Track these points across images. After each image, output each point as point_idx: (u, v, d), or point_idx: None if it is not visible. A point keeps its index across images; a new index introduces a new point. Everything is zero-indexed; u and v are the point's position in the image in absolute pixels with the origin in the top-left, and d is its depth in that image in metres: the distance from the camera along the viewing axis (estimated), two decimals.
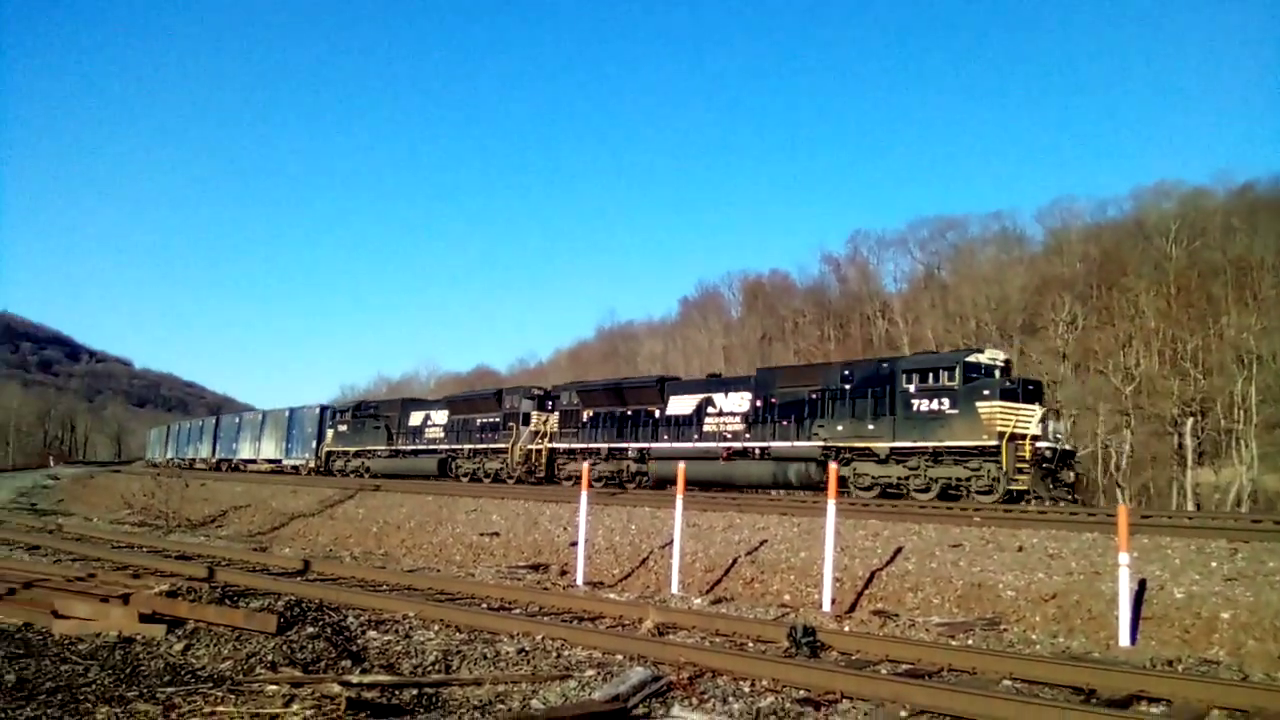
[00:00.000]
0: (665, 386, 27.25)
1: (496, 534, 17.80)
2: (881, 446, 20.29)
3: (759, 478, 23.09)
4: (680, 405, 26.02)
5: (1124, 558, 8.81)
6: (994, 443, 18.31)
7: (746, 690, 6.40)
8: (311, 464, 42.01)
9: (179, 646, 7.22)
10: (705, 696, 6.16)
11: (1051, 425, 19.39)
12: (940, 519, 14.74)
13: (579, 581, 13.16)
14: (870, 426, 20.57)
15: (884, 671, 7.04)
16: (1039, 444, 18.60)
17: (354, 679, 6.14)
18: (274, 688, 5.83)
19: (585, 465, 14.86)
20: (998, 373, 19.98)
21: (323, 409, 44.06)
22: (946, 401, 19.43)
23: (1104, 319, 50.36)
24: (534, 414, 30.47)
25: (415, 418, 36.57)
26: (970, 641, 8.97)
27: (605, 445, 27.56)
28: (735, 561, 13.65)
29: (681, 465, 14.38)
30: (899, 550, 12.67)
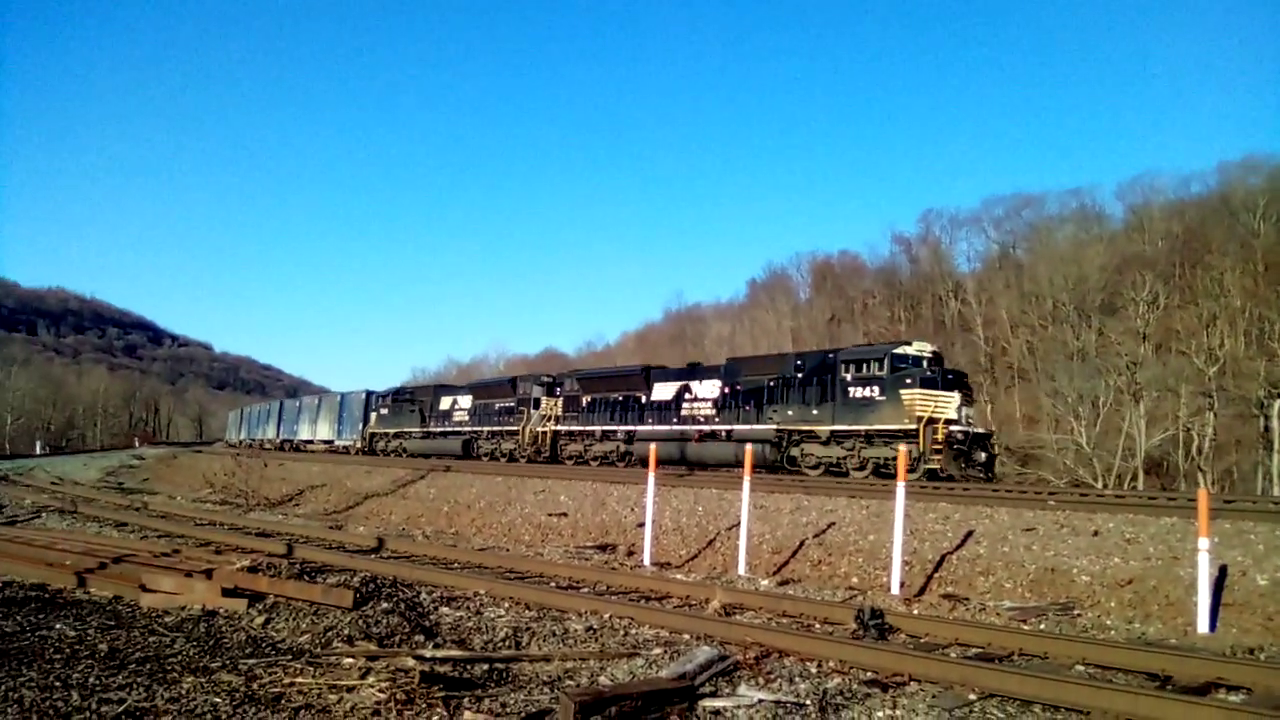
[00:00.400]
0: (650, 374, 29.53)
1: (564, 514, 17.97)
2: (823, 429, 22.21)
3: (723, 457, 24.71)
4: (662, 392, 28.20)
5: (1204, 543, 8.57)
6: (914, 426, 19.89)
7: (813, 671, 6.39)
8: (358, 444, 44.59)
9: (260, 620, 7.45)
10: (772, 676, 6.17)
11: (965, 411, 20.83)
12: (1013, 502, 14.47)
13: (646, 562, 13.25)
14: (814, 411, 22.58)
15: (953, 655, 6.98)
16: (953, 428, 20.00)
17: (427, 653, 6.28)
18: (351, 661, 6.00)
19: (653, 447, 14.90)
20: (925, 363, 21.51)
21: (368, 394, 46.43)
22: (876, 389, 21.26)
23: (1187, 298, 48.67)
24: (543, 399, 32.64)
25: (444, 402, 39.12)
26: (1042, 626, 8.83)
27: (599, 428, 29.77)
28: (803, 543, 13.60)
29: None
30: (970, 534, 12.49)
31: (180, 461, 49.84)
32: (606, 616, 8.26)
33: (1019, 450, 43.31)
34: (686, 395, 27.20)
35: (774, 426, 23.47)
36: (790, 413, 23.21)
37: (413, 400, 41.69)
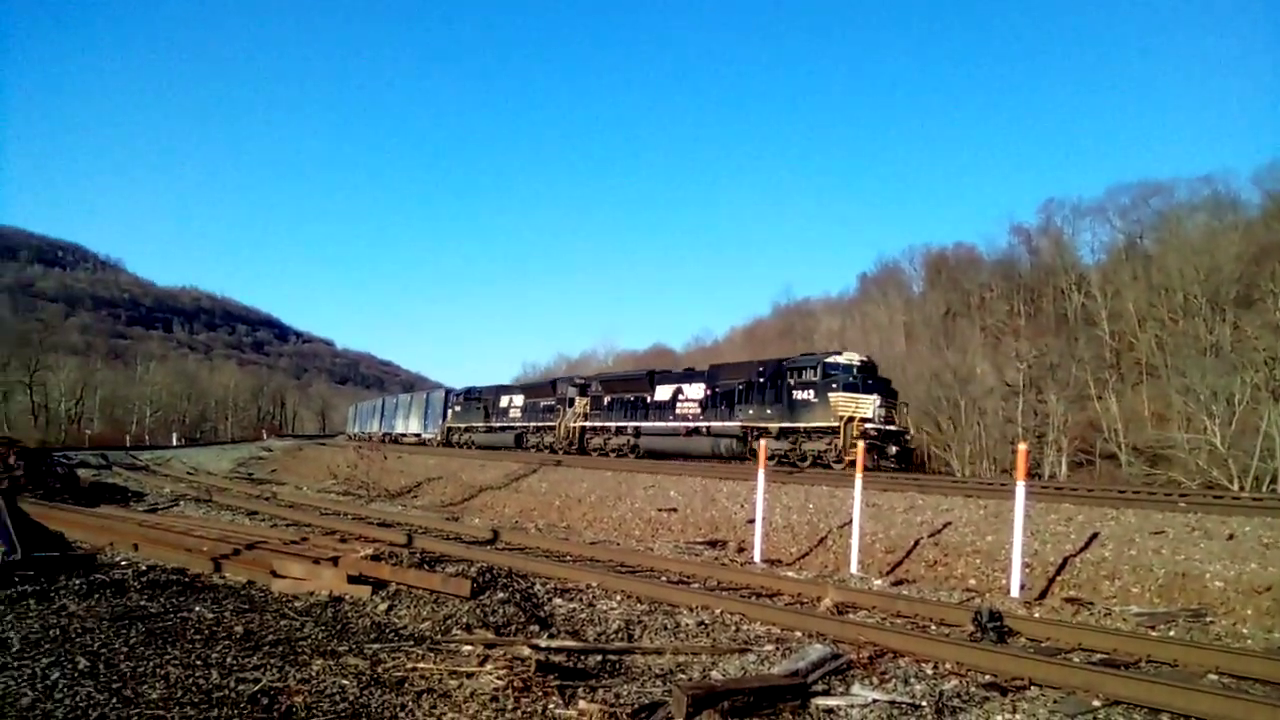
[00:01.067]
0: (654, 378, 33.86)
1: (674, 510, 18.05)
2: (774, 426, 26.04)
3: (703, 450, 28.80)
4: (663, 393, 32.22)
5: None
6: (837, 424, 23.67)
7: (929, 672, 6.28)
8: (438, 438, 49.32)
9: (383, 607, 7.71)
10: (886, 676, 6.09)
11: (880, 411, 24.24)
12: (1141, 504, 13.90)
13: (756, 558, 13.20)
14: (769, 411, 26.53)
15: (1076, 660, 6.76)
16: (867, 425, 23.41)
17: (542, 643, 6.41)
18: (469, 648, 6.17)
19: (763, 443, 14.91)
20: (853, 371, 25.19)
21: (446, 393, 51.97)
22: (812, 392, 25.15)
23: None
24: (577, 399, 36.73)
25: (503, 401, 44.01)
26: (1172, 633, 8.47)
27: (615, 424, 34.12)
28: (917, 543, 13.35)
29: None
30: (1094, 536, 12.05)
31: (305, 453, 51.90)
32: (718, 612, 8.28)
33: (1147, 450, 41.40)
34: (680, 396, 31.36)
35: (739, 424, 27.50)
36: (751, 412, 27.18)
37: (479, 399, 46.58)
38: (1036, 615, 9.01)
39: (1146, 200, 60.70)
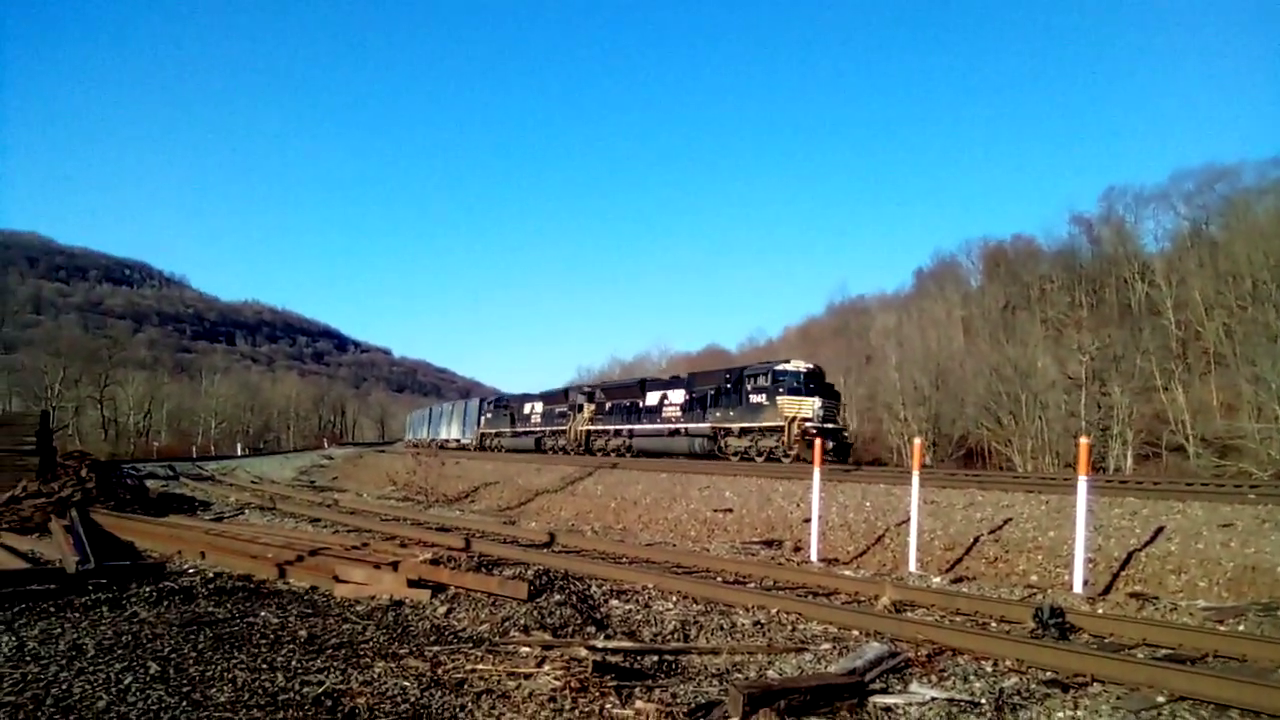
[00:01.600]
0: (645, 385, 38.26)
1: (730, 510, 18.01)
2: (736, 426, 30.01)
3: (682, 449, 32.52)
4: (651, 399, 36.23)
5: None
6: (783, 423, 27.30)
7: (989, 670, 6.21)
8: (474, 443, 53.62)
9: (442, 610, 7.83)
10: (945, 674, 6.04)
11: (818, 412, 27.64)
12: (1209, 496, 13.58)
13: (813, 557, 13.13)
14: (732, 413, 30.44)
15: (1140, 655, 6.63)
16: (808, 424, 26.90)
17: (599, 644, 6.46)
18: (527, 649, 6.24)
19: (818, 443, 14.84)
20: (799, 377, 28.63)
21: (480, 402, 58.04)
22: (765, 396, 28.83)
23: None
24: (585, 405, 40.81)
25: (526, 408, 48.11)
26: (1241, 628, 8.24)
27: (613, 427, 37.97)
28: (977, 540, 13.18)
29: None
30: (1160, 530, 11.79)
31: (365, 460, 52.71)
32: (774, 611, 8.26)
33: (1216, 441, 40.35)
34: (665, 401, 35.23)
35: (710, 425, 31.51)
36: (719, 414, 31.17)
37: (506, 407, 51.66)
38: (1100, 611, 8.83)
39: (1212, 185, 59.04)
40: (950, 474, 19.67)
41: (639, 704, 5.00)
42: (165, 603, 7.86)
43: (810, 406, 27.55)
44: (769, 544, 15.22)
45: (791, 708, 4.95)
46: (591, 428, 39.43)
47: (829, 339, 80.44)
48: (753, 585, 10.16)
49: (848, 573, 11.83)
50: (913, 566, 11.95)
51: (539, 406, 46.69)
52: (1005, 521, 13.54)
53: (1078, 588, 9.98)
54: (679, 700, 5.19)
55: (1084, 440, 10.80)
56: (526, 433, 46.32)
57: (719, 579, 10.59)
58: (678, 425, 33.54)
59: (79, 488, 15.88)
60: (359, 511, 19.57)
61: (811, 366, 30.19)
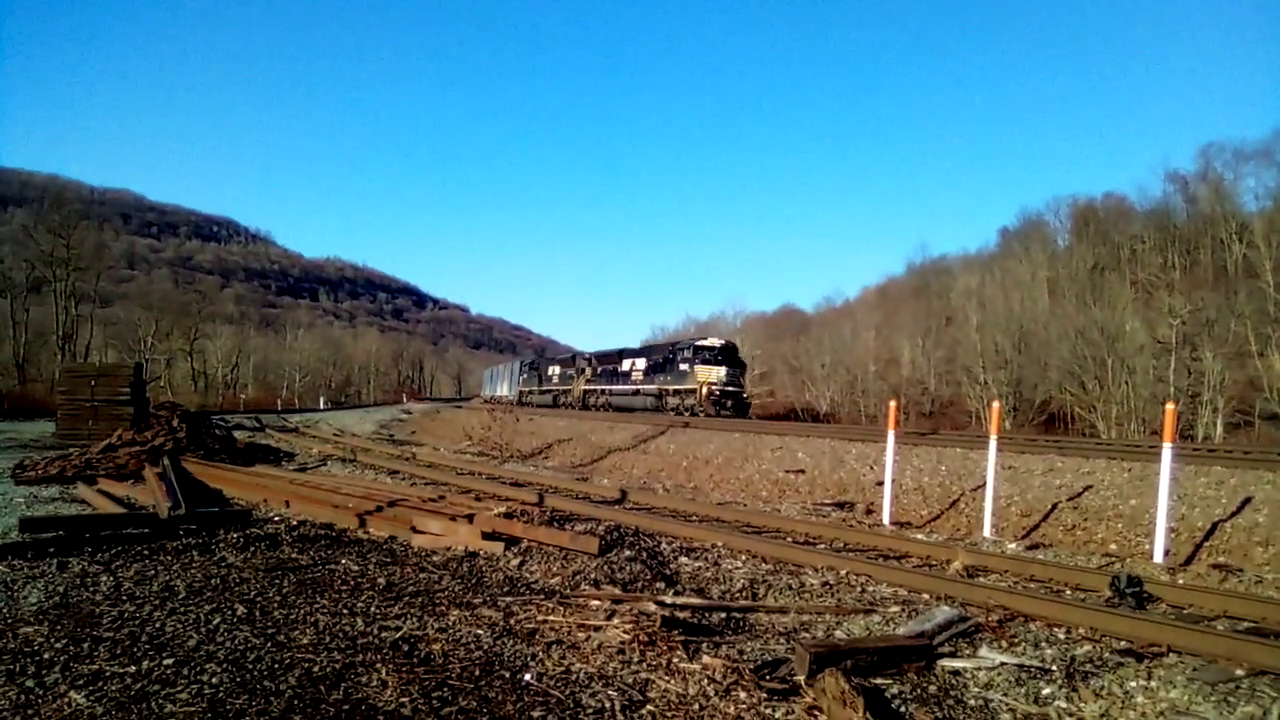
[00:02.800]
0: (621, 354, 46.55)
1: (802, 471, 17.96)
2: (671, 388, 38.26)
3: (639, 405, 40.67)
4: (625, 366, 44.77)
5: None
6: (695, 386, 35.78)
7: (1061, 637, 6.13)
8: (515, 399, 59.40)
9: (515, 562, 8.00)
10: (1015, 640, 5.98)
11: (723, 378, 35.99)
12: None
13: (885, 520, 13.04)
14: (668, 379, 38.82)
15: (1220, 627, 6.48)
16: (712, 388, 35.37)
17: (668, 599, 6.54)
18: (596, 603, 6.35)
19: (892, 404, 14.66)
20: (712, 351, 37.26)
21: (520, 363, 67.71)
22: (686, 365, 37.19)
23: None
24: (586, 369, 49.66)
25: (549, 370, 57.68)
26: None
27: (599, 387, 46.99)
28: (1055, 507, 12.95)
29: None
30: (1248, 500, 11.42)
31: (442, 416, 53.75)
32: (843, 573, 8.25)
33: None
34: (633, 368, 43.51)
35: (656, 387, 39.90)
36: (661, 379, 39.61)
37: (536, 368, 60.94)
38: (1180, 582, 8.63)
39: None
40: (1029, 439, 19.28)
41: (705, 659, 5.06)
42: (251, 548, 8.17)
43: (717, 374, 36.14)
44: (840, 506, 15.15)
45: (858, 668, 4.96)
46: (587, 387, 48.36)
47: (908, 299, 79.10)
48: (822, 546, 10.15)
49: (920, 536, 11.73)
50: (987, 532, 11.80)
51: (557, 369, 55.99)
52: (1085, 489, 13.26)
53: (1158, 557, 9.76)
54: (745, 657, 5.24)
55: (1170, 406, 10.49)
56: (546, 390, 55.58)
57: (789, 539, 10.59)
58: (638, 387, 42.31)
59: (171, 437, 16.51)
60: (436, 465, 19.95)
61: (723, 343, 39.08)
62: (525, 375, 61.87)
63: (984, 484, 12.42)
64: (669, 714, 4.28)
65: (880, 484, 14.24)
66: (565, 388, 51.96)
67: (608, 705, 4.32)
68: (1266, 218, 55.34)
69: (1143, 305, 51.42)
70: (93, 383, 22.27)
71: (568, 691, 4.48)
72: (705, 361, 36.48)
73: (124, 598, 6.14)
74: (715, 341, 38.65)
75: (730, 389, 36.11)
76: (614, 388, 44.86)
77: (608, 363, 47.51)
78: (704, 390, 35.29)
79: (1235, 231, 56.58)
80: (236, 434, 22.26)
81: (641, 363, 42.96)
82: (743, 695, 4.54)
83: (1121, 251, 64.05)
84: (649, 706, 4.35)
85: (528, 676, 4.68)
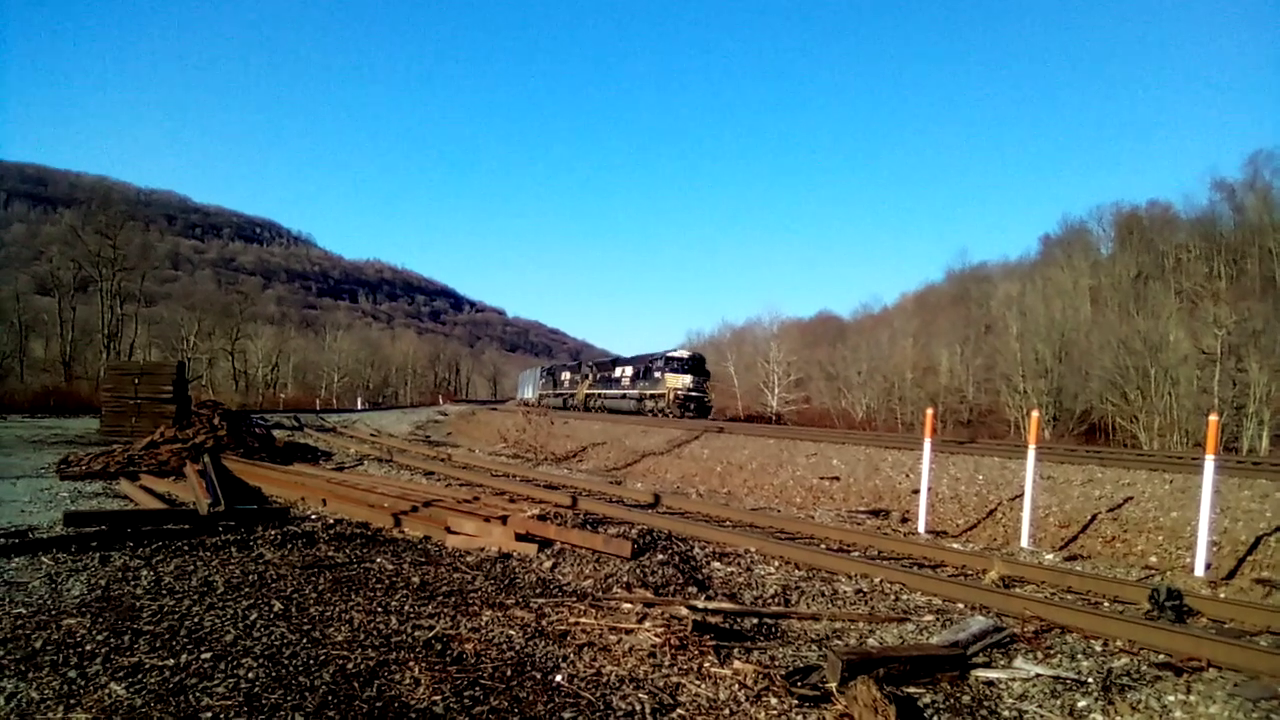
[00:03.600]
0: (615, 362, 53.73)
1: (836, 478, 17.86)
2: (648, 394, 44.79)
3: (625, 408, 47.10)
4: (617, 373, 51.73)
5: None
6: (665, 391, 42.30)
7: (1098, 649, 6.06)
8: (535, 401, 64.47)
9: (548, 564, 8.03)
10: (1051, 651, 5.92)
11: (689, 385, 42.39)
12: None
13: (920, 529, 12.93)
14: (646, 385, 45.54)
15: (1263, 643, 6.36)
16: (678, 393, 41.64)
17: (700, 604, 6.54)
18: (629, 606, 6.37)
19: (929, 412, 14.53)
20: (681, 362, 43.53)
21: (541, 369, 74.45)
22: (659, 374, 43.77)
23: None
24: (590, 375, 56.41)
25: (561, 375, 64.66)
26: None
27: (598, 391, 53.48)
28: (1094, 518, 12.77)
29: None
30: None
31: (478, 418, 54.03)
32: (877, 580, 8.21)
33: None
34: (623, 375, 50.42)
35: (638, 392, 46.73)
36: (641, 385, 46.71)
37: (552, 374, 68.06)
38: (1221, 596, 8.48)
39: None
40: (1069, 449, 19.04)
41: (737, 664, 5.06)
42: (289, 545, 8.28)
43: (684, 381, 42.74)
44: (875, 514, 15.05)
45: (890, 676, 4.93)
46: (589, 391, 54.83)
47: (947, 307, 78.39)
48: (856, 554, 10.08)
49: (956, 546, 11.63)
50: (1025, 542, 11.66)
51: (568, 375, 63.18)
52: (1125, 500, 13.07)
53: (1199, 571, 9.60)
54: (777, 663, 5.23)
55: (1213, 418, 10.31)
56: (559, 394, 61.54)
57: (822, 546, 10.55)
58: (625, 392, 49.07)
59: (211, 435, 16.75)
60: (471, 467, 20.07)
61: (690, 355, 45.63)
62: (544, 380, 68.53)
63: (1022, 494, 12.28)
64: (699, 718, 4.28)
65: (916, 492, 14.13)
66: (573, 391, 58.73)
67: (638, 708, 4.33)
68: None
69: (1187, 315, 50.54)
70: (136, 381, 22.62)
71: (598, 694, 4.49)
72: (674, 371, 43.39)
73: (164, 592, 6.25)
74: (684, 354, 45.65)
75: (694, 394, 42.76)
76: (607, 392, 51.50)
77: (605, 370, 54.97)
78: (671, 395, 42.39)
79: None
80: (275, 433, 22.51)
81: (630, 371, 50.04)
82: (774, 701, 4.53)
83: (1166, 260, 62.92)
84: (679, 710, 4.36)
85: (559, 678, 4.70)
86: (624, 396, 48.49)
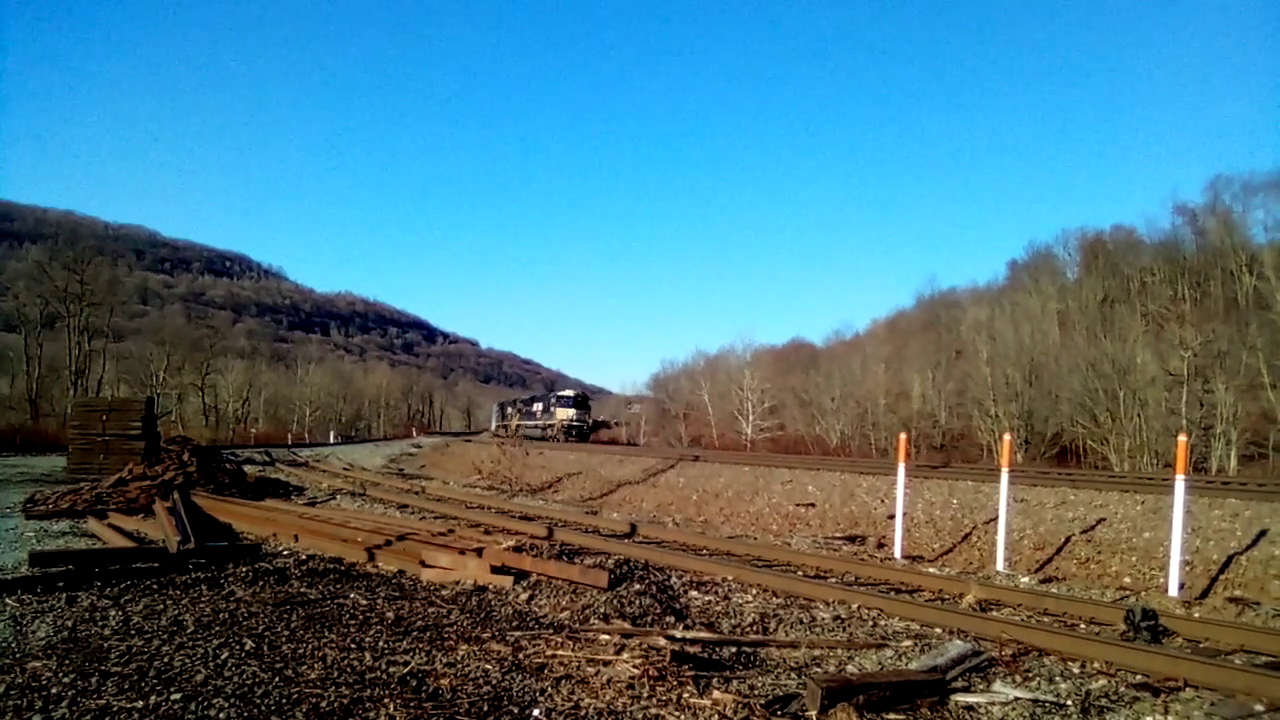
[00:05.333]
0: (532, 400, 74.57)
1: (812, 505, 17.88)
2: (545, 423, 62.90)
3: (535, 435, 57.27)
4: (535, 407, 68.92)
5: None
6: (555, 421, 61.53)
7: (1076, 671, 6.07)
8: (495, 431, 75.87)
9: (524, 596, 7.96)
10: (1030, 674, 5.92)
11: (573, 416, 61.17)
12: None
13: (897, 554, 12.96)
14: (545, 415, 64.72)
15: (1238, 661, 6.40)
16: (564, 422, 60.56)
17: (678, 634, 6.50)
18: (606, 637, 6.31)
19: (902, 436, 14.60)
20: (569, 399, 63.36)
21: (497, 405, 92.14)
22: (554, 407, 63.47)
23: None
24: (521, 409, 70.65)
25: (508, 410, 75.34)
26: None
27: (521, 422, 59.62)
28: (1068, 540, 12.86)
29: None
30: (1263, 533, 11.32)
31: (452, 450, 53.80)
32: (855, 607, 8.20)
33: None
34: (538, 409, 67.15)
35: (542, 422, 62.23)
36: (544, 416, 63.65)
37: (503, 409, 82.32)
38: (1196, 615, 8.55)
39: None
40: (1042, 472, 19.19)
41: (716, 694, 5.02)
42: (260, 582, 8.16)
43: (568, 413, 61.15)
44: (851, 540, 15.07)
45: (870, 703, 4.91)
46: (518, 423, 61.35)
47: (917, 332, 78.85)
48: (834, 580, 10.09)
49: (932, 570, 11.64)
50: (1000, 565, 11.71)
51: (511, 409, 75.04)
52: (1098, 521, 13.18)
53: (1173, 591, 9.67)
54: (756, 692, 5.20)
55: (1182, 439, 10.43)
56: (503, 425, 69.52)
57: (799, 573, 10.54)
58: (536, 422, 63.89)
59: (181, 471, 16.53)
60: (445, 499, 19.94)
61: (575, 393, 65.52)
62: (498, 414, 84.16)
63: (996, 517, 12.34)
64: None
65: (891, 517, 14.17)
66: (510, 423, 69.90)
67: None
68: (1276, 249, 55.11)
69: (1153, 338, 51.13)
70: (104, 417, 22.33)
71: None
72: (563, 405, 62.65)
73: (132, 632, 6.13)
74: (570, 392, 66.94)
75: (575, 423, 61.33)
76: (527, 423, 62.93)
77: (528, 405, 73.04)
78: (559, 424, 60.57)
79: (1245, 263, 56.29)
80: (247, 468, 22.27)
81: (540, 406, 68.36)
82: None
83: (1131, 284, 63.70)
84: None
85: (536, 712, 4.64)
86: (535, 425, 63.07)
